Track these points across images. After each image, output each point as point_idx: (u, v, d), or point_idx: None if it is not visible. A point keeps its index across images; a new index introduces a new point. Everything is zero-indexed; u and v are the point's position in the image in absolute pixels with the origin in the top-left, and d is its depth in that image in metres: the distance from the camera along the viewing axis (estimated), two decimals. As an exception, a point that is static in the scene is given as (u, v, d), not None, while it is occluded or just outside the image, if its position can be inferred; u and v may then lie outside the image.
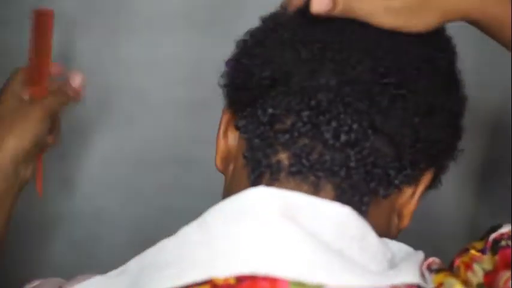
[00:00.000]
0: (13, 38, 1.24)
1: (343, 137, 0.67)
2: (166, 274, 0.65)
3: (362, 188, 0.68)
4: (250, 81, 0.71)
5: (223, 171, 0.75)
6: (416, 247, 0.71)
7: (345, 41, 0.69)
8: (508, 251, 0.65)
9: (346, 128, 0.67)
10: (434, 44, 0.72)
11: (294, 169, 0.68)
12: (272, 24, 0.73)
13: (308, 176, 0.68)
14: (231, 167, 0.73)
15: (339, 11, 0.69)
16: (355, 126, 0.67)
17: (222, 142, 0.74)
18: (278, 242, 0.64)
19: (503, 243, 0.66)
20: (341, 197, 0.68)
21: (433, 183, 0.74)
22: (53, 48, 0.89)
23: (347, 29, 0.70)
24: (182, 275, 0.64)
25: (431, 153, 0.71)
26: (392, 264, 0.67)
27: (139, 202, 1.29)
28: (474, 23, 0.73)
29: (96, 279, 0.70)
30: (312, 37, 0.69)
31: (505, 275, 0.64)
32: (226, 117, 0.75)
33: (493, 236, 0.67)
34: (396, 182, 0.69)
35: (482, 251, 0.67)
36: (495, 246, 0.66)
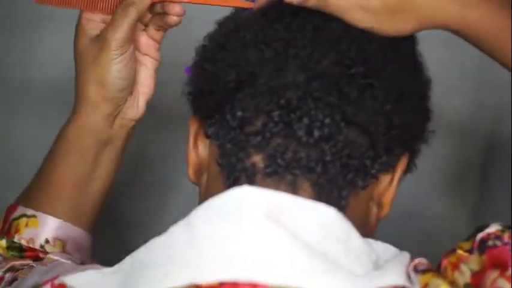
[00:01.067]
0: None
1: (316, 133, 0.67)
2: (153, 276, 0.64)
3: (340, 182, 0.68)
4: (215, 85, 0.70)
5: (197, 182, 0.74)
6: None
7: (307, 37, 0.69)
8: (495, 250, 0.65)
9: (318, 124, 0.67)
10: None
11: (269, 170, 0.68)
12: (232, 27, 0.73)
13: (285, 175, 0.67)
14: (204, 177, 0.73)
15: (312, 3, 0.69)
16: (327, 120, 0.67)
17: (192, 153, 0.74)
18: (261, 245, 0.63)
19: (490, 243, 0.65)
20: (319, 193, 0.67)
21: (408, 168, 0.73)
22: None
23: (308, 25, 0.70)
24: (168, 278, 0.63)
25: (404, 138, 0.70)
26: (378, 265, 0.66)
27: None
28: (457, 33, 0.72)
29: (89, 274, 0.69)
30: (274, 36, 0.69)
31: (492, 275, 0.64)
32: (194, 128, 0.74)
33: (480, 235, 0.66)
34: (373, 171, 0.69)
35: (470, 251, 0.66)
36: (482, 246, 0.65)
